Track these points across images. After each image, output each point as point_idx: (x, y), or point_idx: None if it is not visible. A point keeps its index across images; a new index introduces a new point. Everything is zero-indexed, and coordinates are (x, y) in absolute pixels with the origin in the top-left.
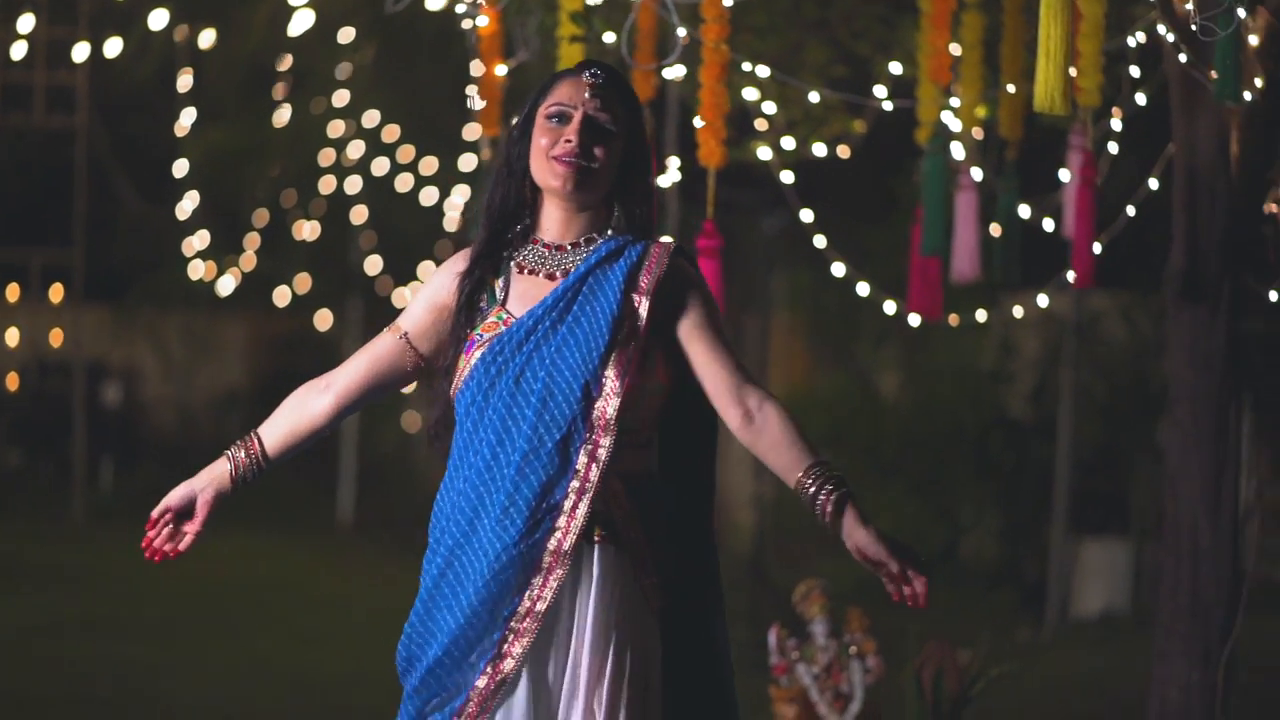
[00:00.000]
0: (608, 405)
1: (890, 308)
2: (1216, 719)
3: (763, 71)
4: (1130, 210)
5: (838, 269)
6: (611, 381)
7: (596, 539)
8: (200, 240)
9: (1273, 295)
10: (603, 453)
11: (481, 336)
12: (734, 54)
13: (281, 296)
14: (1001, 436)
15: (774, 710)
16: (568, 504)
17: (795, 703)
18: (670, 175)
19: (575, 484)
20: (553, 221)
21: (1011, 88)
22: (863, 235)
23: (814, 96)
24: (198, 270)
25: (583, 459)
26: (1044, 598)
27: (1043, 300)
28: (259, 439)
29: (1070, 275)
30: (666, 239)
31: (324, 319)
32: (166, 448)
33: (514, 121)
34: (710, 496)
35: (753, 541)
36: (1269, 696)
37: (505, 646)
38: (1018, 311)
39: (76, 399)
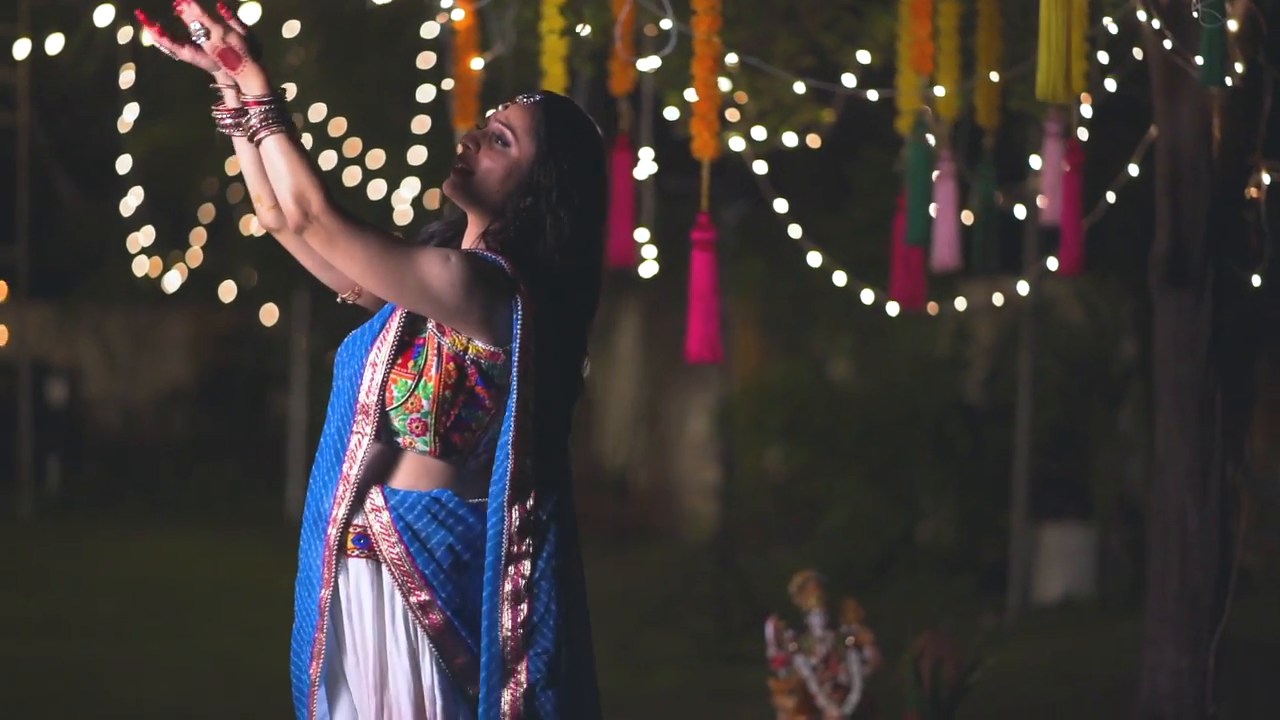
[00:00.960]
0: (370, 392)
1: (868, 296)
2: (1207, 704)
3: (745, 61)
4: (1110, 196)
5: (814, 259)
6: (373, 368)
7: (351, 553)
8: (145, 236)
9: (1255, 280)
10: (364, 446)
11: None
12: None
13: (227, 291)
14: (959, 422)
15: (774, 702)
16: (337, 510)
17: (794, 694)
18: (645, 167)
19: (341, 488)
20: (469, 229)
21: (995, 76)
22: (818, 224)
23: (799, 87)
24: (143, 267)
25: (346, 460)
26: (1004, 583)
27: (1023, 287)
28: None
29: (1051, 262)
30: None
31: (270, 314)
32: (112, 445)
33: None
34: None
35: (715, 531)
36: (1255, 680)
37: (314, 647)
38: (998, 299)
39: (21, 397)
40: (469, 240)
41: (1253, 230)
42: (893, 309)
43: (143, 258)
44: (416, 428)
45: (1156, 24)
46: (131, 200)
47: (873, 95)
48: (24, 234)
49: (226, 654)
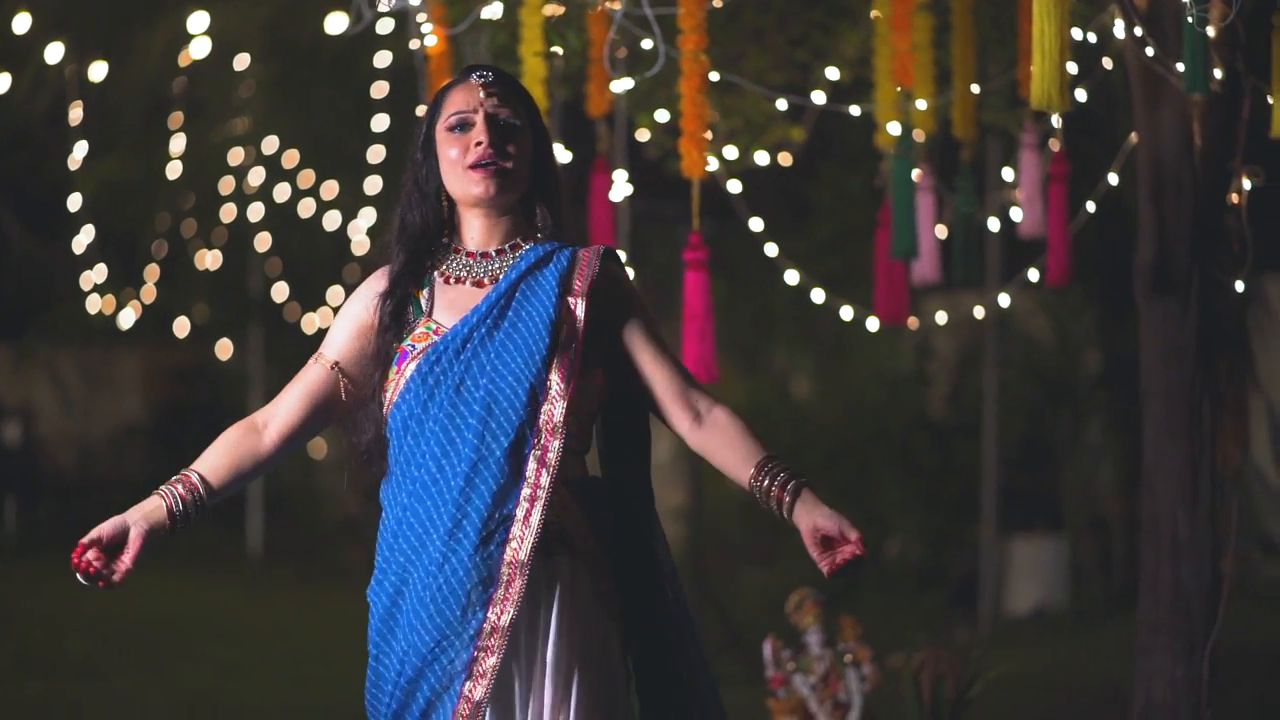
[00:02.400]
0: (555, 409)
1: (847, 313)
2: (1202, 712)
3: (726, 78)
4: (1090, 206)
5: (791, 276)
6: (557, 385)
7: (551, 548)
8: (98, 274)
9: (1239, 286)
10: (552, 457)
11: (414, 348)
12: (675, 64)
13: (181, 328)
14: (925, 438)
15: None
16: (520, 513)
17: (794, 714)
18: (621, 189)
19: (527, 492)
20: (475, 230)
21: (976, 88)
22: (780, 243)
23: (781, 104)
24: (96, 304)
25: (532, 465)
26: (975, 597)
27: (1004, 299)
28: (197, 474)
29: (1033, 273)
30: (596, 246)
31: (225, 349)
32: (67, 484)
33: (413, 146)
34: (651, 497)
35: (685, 554)
36: (1241, 685)
37: (476, 667)
38: (978, 312)
39: None
40: (499, 234)
41: (1235, 236)
42: (873, 324)
43: (95, 295)
44: (585, 429)
45: (1139, 31)
46: (83, 238)
47: (855, 111)
48: None
49: (203, 691)
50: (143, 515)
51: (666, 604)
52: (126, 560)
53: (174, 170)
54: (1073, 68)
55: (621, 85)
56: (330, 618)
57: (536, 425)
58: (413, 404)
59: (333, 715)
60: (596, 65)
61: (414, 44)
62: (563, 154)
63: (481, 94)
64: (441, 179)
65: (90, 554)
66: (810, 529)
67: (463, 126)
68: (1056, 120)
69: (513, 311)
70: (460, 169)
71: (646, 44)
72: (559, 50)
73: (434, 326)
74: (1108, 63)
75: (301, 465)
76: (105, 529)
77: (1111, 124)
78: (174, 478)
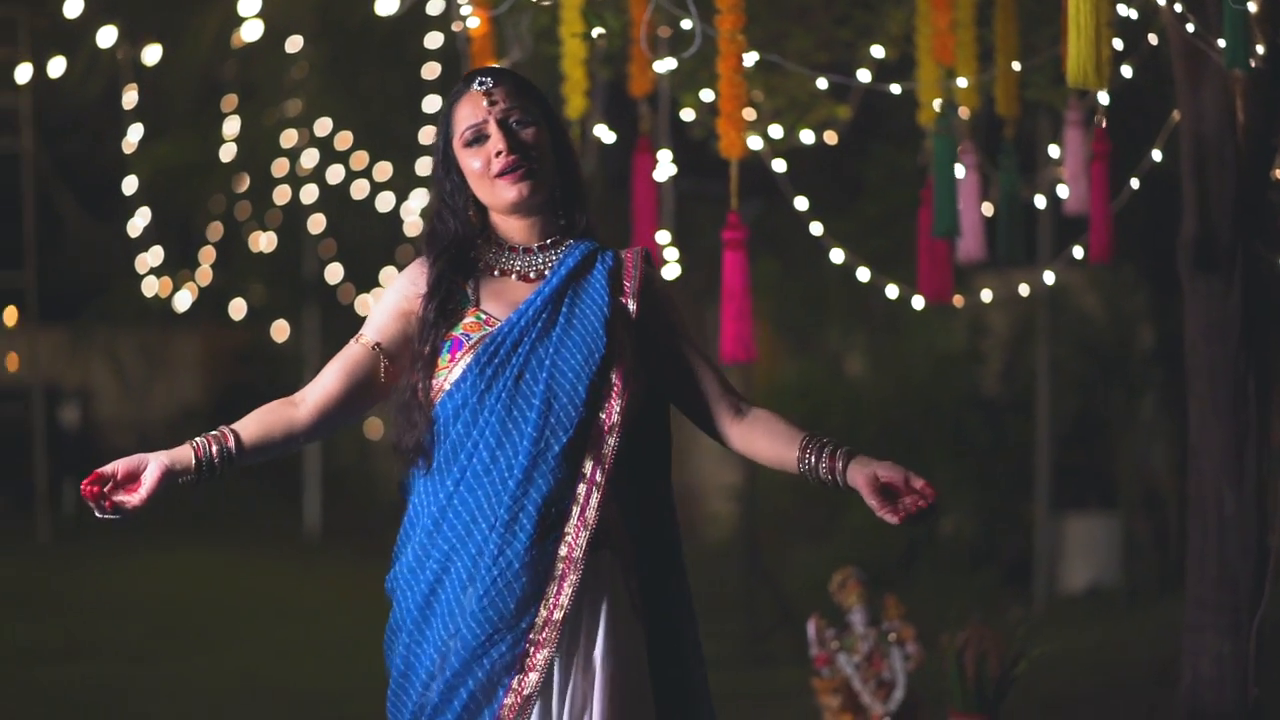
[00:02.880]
0: (614, 407)
1: (893, 291)
2: (1250, 689)
3: (765, 58)
4: (1134, 183)
5: (836, 255)
6: (615, 383)
7: (598, 542)
8: (154, 257)
9: None
10: (608, 454)
11: (468, 337)
12: (714, 44)
13: (237, 309)
14: (977, 416)
15: (817, 701)
16: (577, 509)
17: (839, 693)
18: (665, 169)
19: (583, 488)
20: (513, 230)
21: (1018, 65)
22: (830, 222)
23: (822, 83)
24: (152, 287)
25: (590, 462)
26: (1029, 576)
27: (1049, 277)
28: (231, 430)
29: (1078, 251)
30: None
31: (281, 330)
32: None
33: (435, 163)
34: (672, 498)
35: (738, 531)
36: None
37: (528, 660)
38: (1024, 289)
39: (35, 422)
40: (538, 230)
41: (1279, 212)
42: (918, 303)
43: (152, 278)
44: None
45: (1178, 7)
46: (139, 221)
47: (895, 89)
48: (31, 258)
49: (251, 672)
50: (167, 454)
51: (682, 604)
52: (141, 493)
53: (228, 153)
54: (1118, 44)
55: (664, 65)
56: (382, 599)
57: (595, 422)
58: (468, 393)
59: (376, 698)
60: (637, 46)
61: (456, 26)
62: (606, 135)
63: (485, 102)
64: (469, 192)
65: (97, 487)
66: (869, 478)
67: (478, 139)
68: (1103, 97)
69: (566, 308)
70: (488, 180)
71: (687, 24)
72: (601, 30)
73: (484, 316)
74: (1154, 39)
75: (358, 447)
76: (120, 465)
77: (1161, 100)
78: (206, 432)
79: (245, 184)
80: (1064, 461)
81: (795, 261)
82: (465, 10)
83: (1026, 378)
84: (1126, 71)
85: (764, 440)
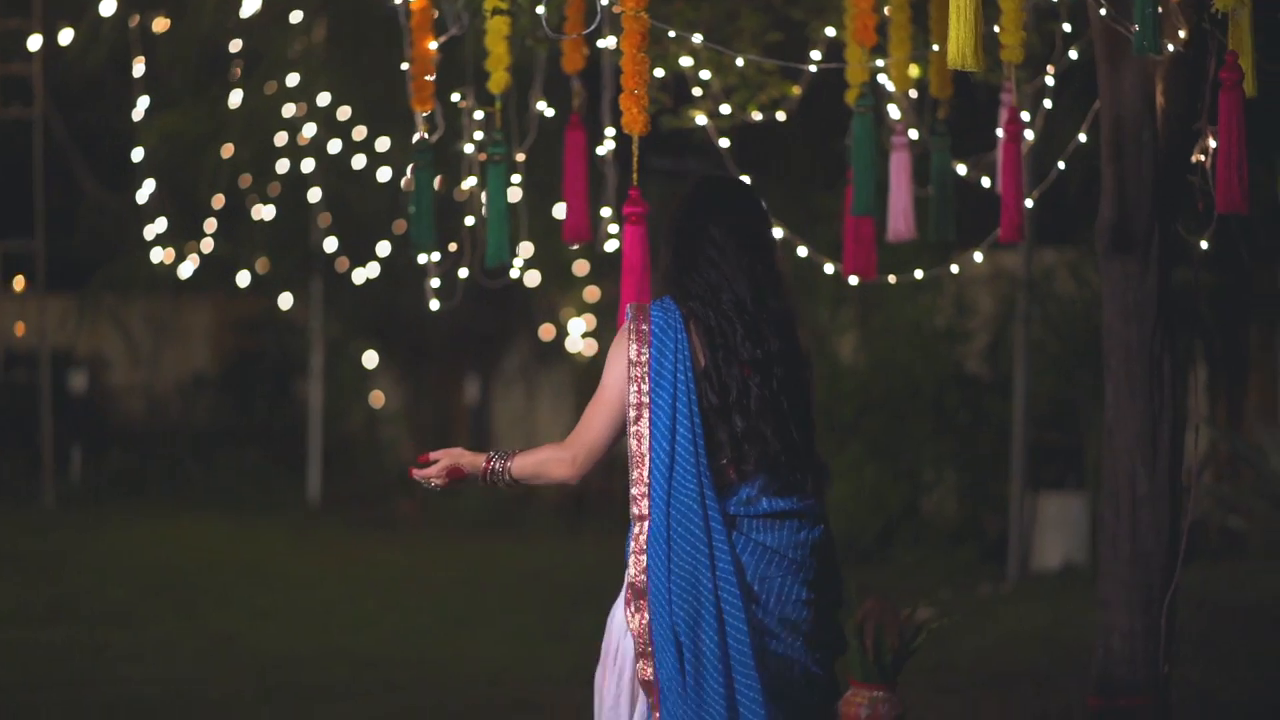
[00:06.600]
0: None
1: (830, 269)
2: (1160, 665)
3: (696, 39)
4: (1060, 164)
5: (776, 233)
6: None
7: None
8: (160, 226)
9: (1203, 245)
10: None
11: None
12: (665, 23)
13: (242, 280)
14: (958, 394)
15: None
16: None
17: None
18: (608, 144)
19: None
20: None
21: (938, 47)
22: (813, 200)
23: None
24: (159, 257)
25: None
26: (1005, 553)
27: (978, 257)
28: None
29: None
30: None
31: (286, 300)
32: (135, 433)
33: None
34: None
35: None
36: (1216, 639)
37: None
38: (954, 269)
39: (43, 388)
40: None
41: (1200, 196)
42: (852, 281)
43: (158, 247)
44: None
45: None
46: (145, 190)
47: (812, 69)
48: (41, 226)
49: (230, 635)
50: (464, 450)
51: None
52: (431, 471)
53: (231, 124)
54: (1068, 27)
55: (605, 42)
56: (369, 566)
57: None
58: None
59: (346, 659)
60: (571, 23)
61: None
62: (547, 110)
63: None
64: None
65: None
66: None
67: None
68: (1050, 79)
69: None
70: None
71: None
72: (501, 5)
73: None
74: None
75: (364, 415)
76: (433, 454)
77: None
78: (501, 453)
79: (247, 156)
80: (1041, 442)
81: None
82: None
83: (1009, 357)
84: (1073, 54)
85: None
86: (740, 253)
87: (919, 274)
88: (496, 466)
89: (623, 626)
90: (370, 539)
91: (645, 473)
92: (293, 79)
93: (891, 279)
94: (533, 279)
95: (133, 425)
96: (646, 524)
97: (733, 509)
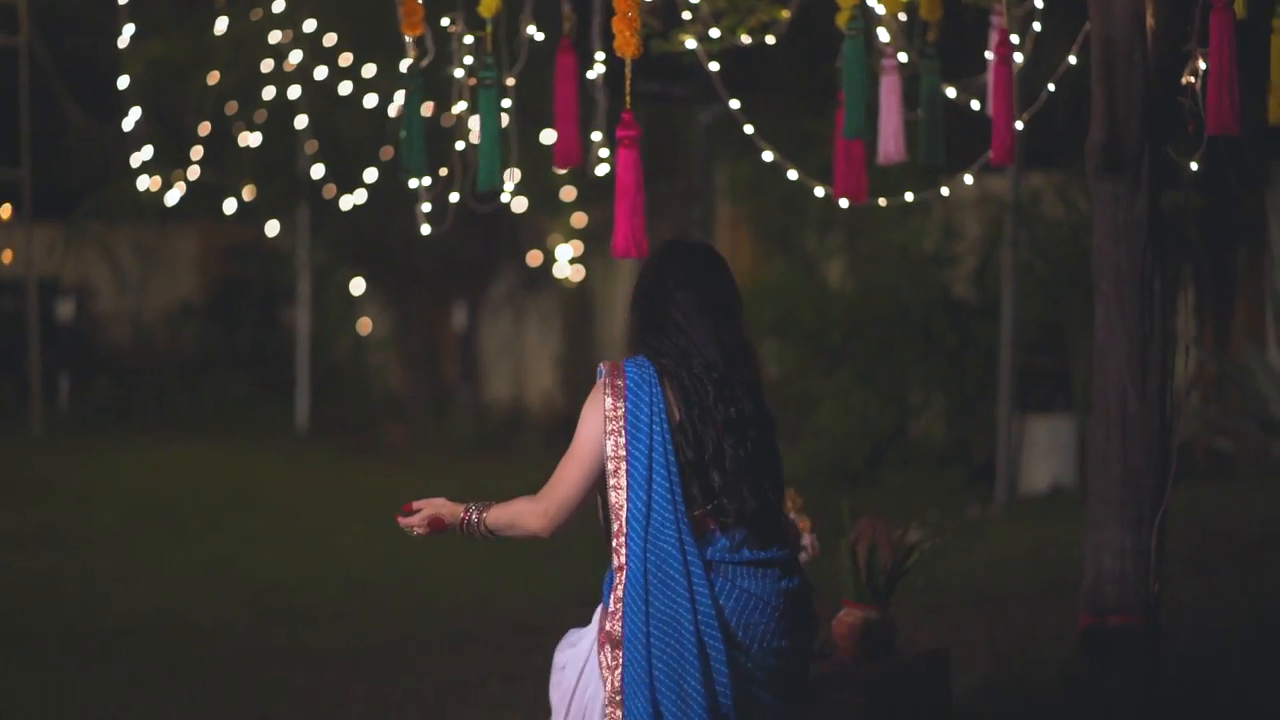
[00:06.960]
0: None
1: (821, 193)
2: (1150, 584)
3: None
4: (1050, 86)
5: (766, 156)
6: None
7: None
8: (146, 153)
9: (1193, 166)
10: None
11: None
12: None
13: (229, 207)
14: (945, 318)
15: None
16: None
17: None
18: (598, 68)
19: None
20: None
21: None
22: (803, 124)
23: None
24: (145, 183)
25: None
26: (993, 475)
27: (969, 179)
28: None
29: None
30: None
31: (274, 227)
32: (122, 361)
33: None
34: None
35: None
36: (1205, 559)
37: None
38: (944, 191)
39: (30, 316)
40: None
41: (1190, 117)
42: (842, 203)
43: (145, 174)
44: None
45: None
46: (132, 118)
47: None
48: (27, 155)
49: (218, 561)
50: (445, 500)
51: None
52: (414, 519)
53: (217, 51)
54: None
55: None
56: (359, 493)
57: None
58: None
59: (337, 583)
60: None
61: None
62: (537, 34)
63: None
64: None
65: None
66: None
67: None
68: (1039, 1)
69: None
70: None
71: None
72: None
73: None
74: None
75: (351, 341)
76: (415, 504)
77: None
78: (478, 506)
79: (233, 82)
80: (1029, 365)
81: (772, 164)
82: None
83: (996, 281)
84: None
85: None
86: (706, 320)
87: (909, 196)
88: (473, 518)
89: (584, 678)
90: (358, 464)
91: (624, 523)
92: (278, 4)
93: (881, 202)
94: (520, 205)
95: (120, 353)
96: (624, 574)
97: (712, 555)
